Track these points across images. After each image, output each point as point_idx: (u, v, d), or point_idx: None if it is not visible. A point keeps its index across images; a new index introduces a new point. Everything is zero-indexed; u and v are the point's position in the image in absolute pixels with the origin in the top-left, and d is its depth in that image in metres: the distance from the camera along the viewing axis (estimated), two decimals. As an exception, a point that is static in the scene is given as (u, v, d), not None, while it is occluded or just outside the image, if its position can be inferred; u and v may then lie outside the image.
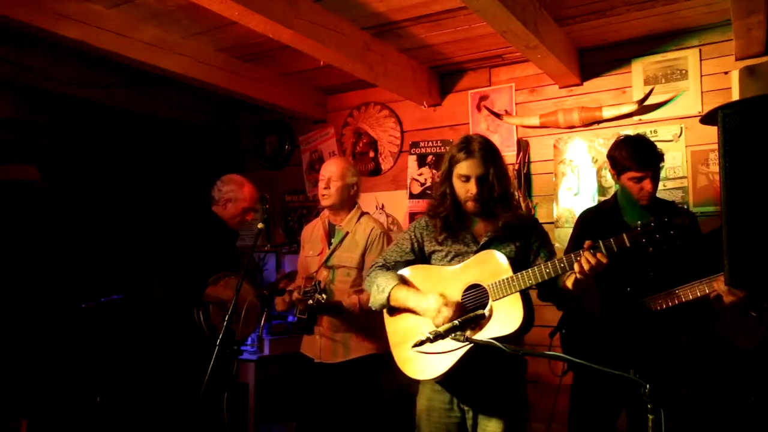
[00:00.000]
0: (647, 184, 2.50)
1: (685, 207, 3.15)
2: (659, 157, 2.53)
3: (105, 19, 2.93)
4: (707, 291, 2.29)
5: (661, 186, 3.22)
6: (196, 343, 3.13)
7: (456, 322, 1.80)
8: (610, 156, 2.61)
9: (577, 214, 3.47)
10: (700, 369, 2.88)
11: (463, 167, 2.14)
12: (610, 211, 2.68)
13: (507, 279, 2.02)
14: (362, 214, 2.97)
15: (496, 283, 2.04)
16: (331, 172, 2.89)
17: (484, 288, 2.07)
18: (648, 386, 1.33)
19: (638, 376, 1.36)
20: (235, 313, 2.60)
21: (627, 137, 2.65)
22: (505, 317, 2.01)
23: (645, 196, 2.52)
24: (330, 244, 2.92)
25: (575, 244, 2.83)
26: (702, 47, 3.22)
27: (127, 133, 4.72)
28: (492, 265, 2.08)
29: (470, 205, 2.16)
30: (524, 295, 2.04)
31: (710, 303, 2.36)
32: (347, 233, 2.88)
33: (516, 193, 3.60)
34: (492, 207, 2.15)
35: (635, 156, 2.49)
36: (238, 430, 3.36)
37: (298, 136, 4.65)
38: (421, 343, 1.71)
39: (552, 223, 3.58)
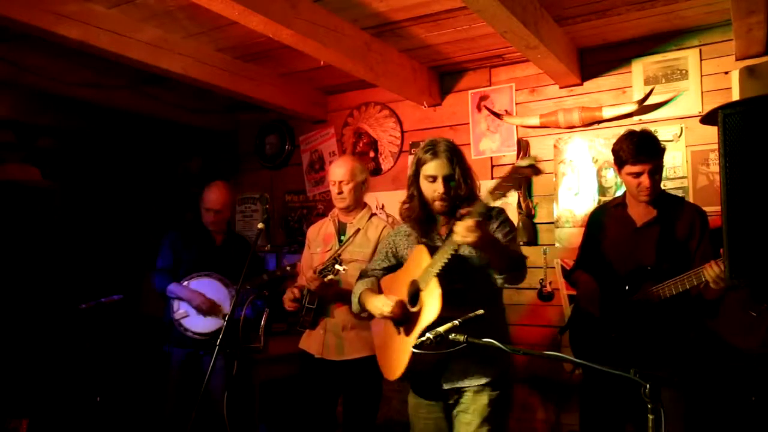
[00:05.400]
0: (645, 180, 2.45)
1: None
2: (658, 151, 2.47)
3: (105, 19, 2.92)
4: (695, 282, 2.29)
5: (661, 186, 3.22)
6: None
7: (456, 322, 1.79)
8: (614, 150, 2.56)
9: (578, 214, 3.50)
10: (701, 369, 2.88)
11: (430, 168, 2.21)
12: (618, 207, 2.67)
13: (426, 267, 2.09)
14: (372, 214, 3.01)
15: (421, 273, 2.11)
16: (341, 174, 2.87)
17: (417, 281, 2.14)
18: (648, 386, 1.33)
19: (638, 376, 1.36)
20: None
21: (631, 131, 2.57)
22: (429, 305, 2.06)
23: (644, 192, 2.48)
24: (340, 242, 2.93)
25: (587, 241, 2.83)
26: (702, 47, 3.22)
27: (127, 134, 4.72)
28: (417, 258, 2.17)
29: (437, 204, 2.22)
30: (441, 278, 2.06)
31: (702, 294, 2.36)
32: (359, 229, 2.89)
33: (517, 194, 3.61)
34: (459, 206, 2.20)
35: (632, 149, 2.44)
36: (238, 430, 3.36)
37: (298, 136, 4.65)
38: (422, 343, 1.71)
39: (552, 223, 3.59)
